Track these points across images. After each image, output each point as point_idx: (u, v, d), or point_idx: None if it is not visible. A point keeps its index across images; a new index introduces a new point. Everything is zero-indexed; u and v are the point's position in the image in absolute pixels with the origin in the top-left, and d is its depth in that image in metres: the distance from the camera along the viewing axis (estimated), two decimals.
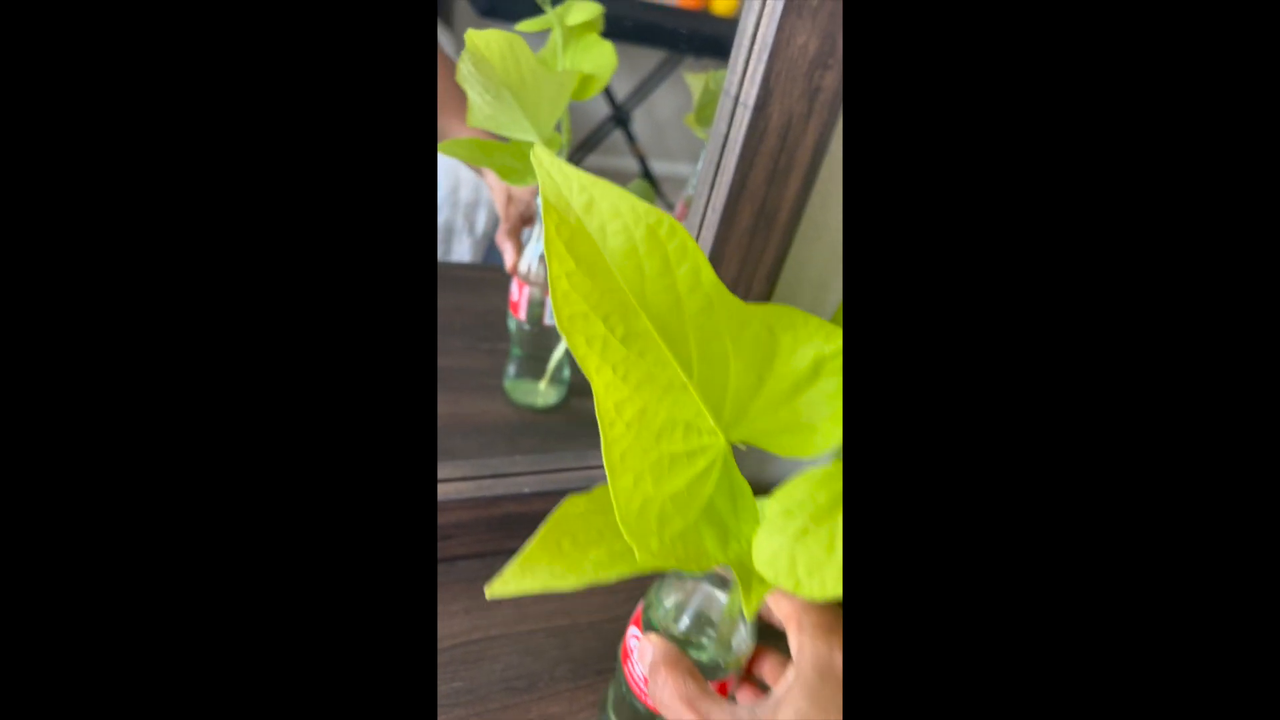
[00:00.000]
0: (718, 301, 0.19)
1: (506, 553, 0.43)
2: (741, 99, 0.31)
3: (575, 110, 0.42)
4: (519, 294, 0.47)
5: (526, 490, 0.41)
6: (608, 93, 0.49)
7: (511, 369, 0.51)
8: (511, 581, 0.20)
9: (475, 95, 0.35)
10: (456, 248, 0.53)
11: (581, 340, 0.19)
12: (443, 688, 0.35)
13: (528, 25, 0.39)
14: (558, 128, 0.39)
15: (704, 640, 0.28)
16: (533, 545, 0.20)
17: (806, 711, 0.21)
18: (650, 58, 0.53)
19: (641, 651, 0.26)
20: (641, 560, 0.19)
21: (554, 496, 0.42)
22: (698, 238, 0.36)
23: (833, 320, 0.22)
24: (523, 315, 0.48)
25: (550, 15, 0.39)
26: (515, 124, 0.36)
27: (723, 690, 0.28)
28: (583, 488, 0.46)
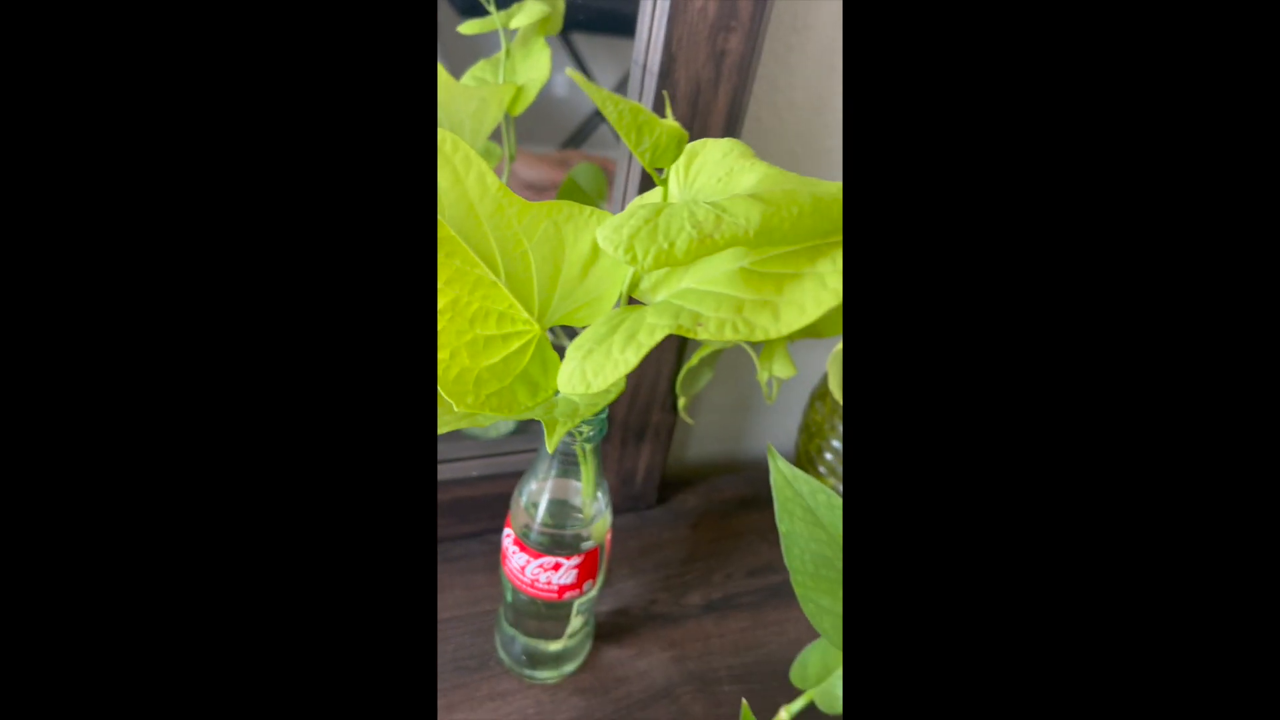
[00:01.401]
0: (505, 203, 0.22)
1: (460, 538, 0.44)
2: (648, 66, 0.31)
3: (560, 105, 0.41)
4: None
5: (475, 474, 0.41)
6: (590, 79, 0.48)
7: None
8: None
9: None
10: None
11: None
12: None
13: (469, 28, 0.38)
14: (497, 138, 0.39)
15: (567, 521, 0.32)
16: None
17: None
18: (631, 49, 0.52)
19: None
20: (460, 410, 0.22)
21: (501, 480, 0.43)
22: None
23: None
24: None
25: (494, 17, 0.38)
26: None
27: (592, 558, 0.32)
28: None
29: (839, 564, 0.26)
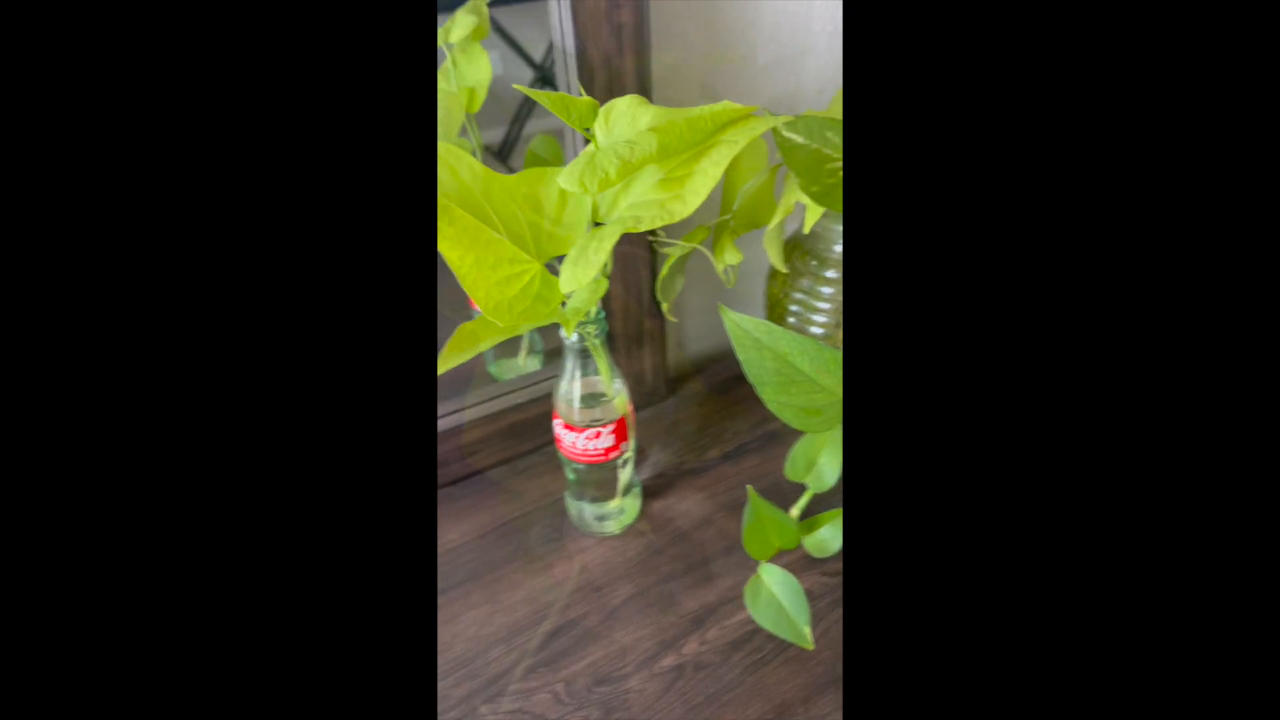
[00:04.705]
0: (490, 181, 0.32)
1: (522, 455, 0.55)
2: (565, 49, 0.40)
3: (500, 80, 0.48)
4: None
5: (523, 400, 0.52)
6: (524, 55, 0.51)
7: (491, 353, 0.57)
8: (447, 360, 0.32)
9: None
10: None
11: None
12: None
13: None
14: (464, 134, 0.48)
15: (596, 402, 0.42)
16: (448, 346, 0.33)
17: None
18: None
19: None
20: (503, 325, 0.31)
21: (544, 401, 0.53)
22: None
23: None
24: None
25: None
26: None
27: (621, 424, 0.43)
28: None
29: (783, 369, 0.36)
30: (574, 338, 0.40)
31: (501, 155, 0.53)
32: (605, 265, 0.38)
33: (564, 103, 0.28)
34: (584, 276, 0.30)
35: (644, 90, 0.43)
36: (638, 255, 0.50)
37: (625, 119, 0.30)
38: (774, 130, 0.32)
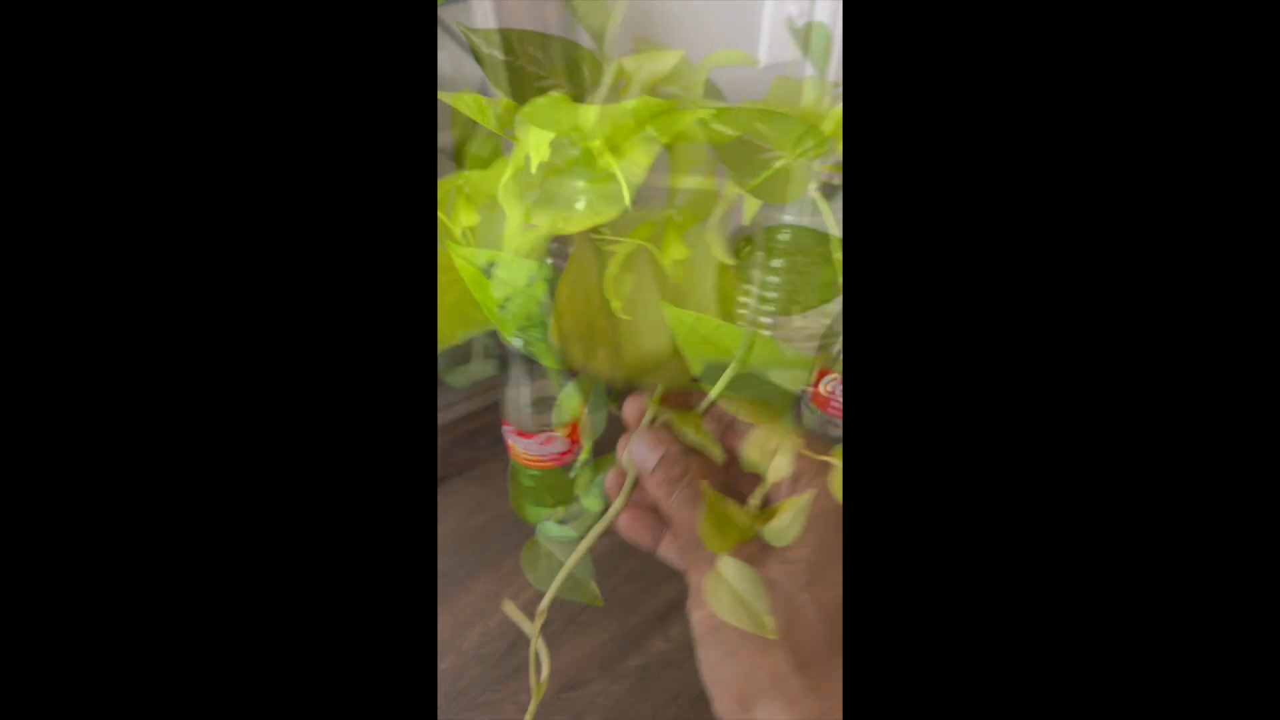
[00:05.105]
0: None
1: (481, 461, 0.54)
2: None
3: (452, 81, 0.47)
4: None
5: (476, 407, 0.51)
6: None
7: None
8: None
9: None
10: None
11: None
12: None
13: None
14: None
15: (547, 406, 0.41)
16: None
17: None
18: None
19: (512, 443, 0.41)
20: (442, 335, 0.32)
21: (493, 410, 0.53)
22: None
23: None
24: None
25: None
26: None
27: (574, 428, 0.42)
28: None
29: (727, 362, 0.36)
30: (518, 342, 0.39)
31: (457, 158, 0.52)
32: (543, 268, 0.37)
33: (479, 105, 0.27)
34: (516, 281, 0.30)
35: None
36: (587, 254, 0.50)
37: (548, 121, 0.30)
38: (702, 123, 0.32)
